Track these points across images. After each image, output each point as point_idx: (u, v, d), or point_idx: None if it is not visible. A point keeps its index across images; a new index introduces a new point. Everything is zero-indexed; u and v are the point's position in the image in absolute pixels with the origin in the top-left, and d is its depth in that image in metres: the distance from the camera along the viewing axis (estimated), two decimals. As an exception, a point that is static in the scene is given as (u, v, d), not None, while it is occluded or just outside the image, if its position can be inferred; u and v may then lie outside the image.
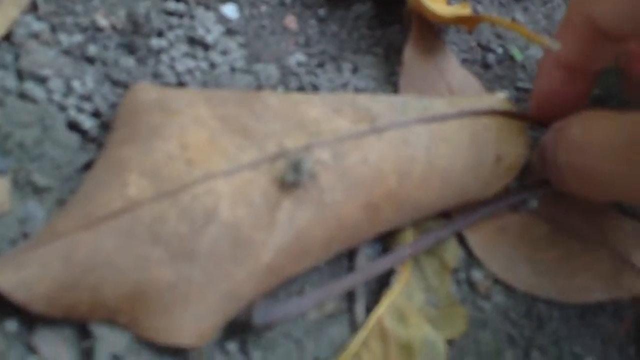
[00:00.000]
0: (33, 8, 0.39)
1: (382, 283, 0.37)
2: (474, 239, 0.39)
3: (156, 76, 0.39)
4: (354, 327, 0.35)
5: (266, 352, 0.33)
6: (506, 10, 0.49)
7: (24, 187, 0.33)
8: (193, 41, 0.41)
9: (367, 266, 0.36)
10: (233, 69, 0.41)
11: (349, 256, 0.37)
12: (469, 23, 0.44)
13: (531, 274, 0.39)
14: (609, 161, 0.32)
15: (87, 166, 0.35)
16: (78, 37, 0.39)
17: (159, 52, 0.40)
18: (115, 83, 0.38)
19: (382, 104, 0.37)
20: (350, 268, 0.37)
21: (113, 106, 0.37)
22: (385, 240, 0.38)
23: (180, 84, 0.39)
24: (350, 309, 0.36)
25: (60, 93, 0.36)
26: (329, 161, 0.34)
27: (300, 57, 0.43)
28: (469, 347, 0.37)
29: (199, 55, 0.40)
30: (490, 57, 0.46)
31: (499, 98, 0.40)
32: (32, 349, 0.30)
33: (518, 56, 0.47)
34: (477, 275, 0.38)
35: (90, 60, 0.38)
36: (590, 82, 0.39)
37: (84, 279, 0.29)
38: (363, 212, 0.34)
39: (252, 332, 0.33)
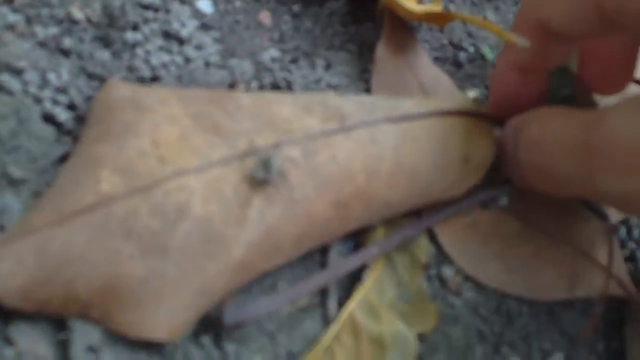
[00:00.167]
0: (8, 0, 0.38)
1: (354, 278, 0.37)
2: (444, 236, 0.39)
3: (131, 70, 0.39)
4: (327, 322, 0.36)
5: (240, 345, 0.34)
6: (478, 9, 0.50)
7: (0, 179, 0.33)
8: (168, 35, 0.41)
9: (338, 264, 0.36)
10: (207, 64, 0.41)
11: (322, 252, 0.37)
12: (440, 21, 0.44)
13: (501, 271, 0.39)
14: (565, 159, 0.33)
15: (63, 159, 0.35)
16: (53, 30, 0.39)
17: (134, 45, 0.40)
18: (91, 76, 0.38)
19: (351, 104, 0.37)
20: (323, 264, 0.37)
21: (88, 99, 0.37)
22: (357, 237, 0.38)
23: (155, 78, 0.39)
24: (323, 304, 0.36)
25: (35, 85, 0.36)
26: (298, 159, 0.34)
27: (274, 52, 0.43)
28: (439, 343, 0.37)
29: (174, 49, 0.41)
30: (462, 56, 0.47)
31: (466, 98, 0.40)
32: (8, 341, 0.30)
33: (489, 55, 0.47)
34: (447, 271, 0.39)
35: (66, 53, 0.38)
36: (545, 81, 0.39)
37: (58, 274, 0.29)
38: (333, 209, 0.35)
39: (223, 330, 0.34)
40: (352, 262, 0.36)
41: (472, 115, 0.39)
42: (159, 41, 0.40)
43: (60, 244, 0.30)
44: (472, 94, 0.43)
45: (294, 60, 0.43)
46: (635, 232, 0.43)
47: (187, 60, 0.40)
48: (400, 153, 0.36)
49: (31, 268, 0.29)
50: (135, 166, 0.32)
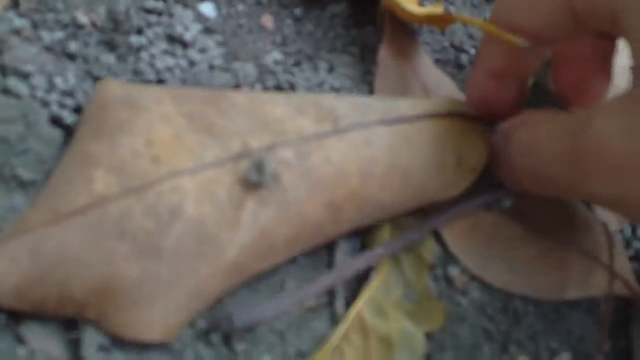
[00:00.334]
0: (15, 5, 0.39)
1: (361, 278, 0.37)
2: (450, 237, 0.39)
3: (137, 73, 0.39)
4: (335, 321, 0.36)
5: (250, 345, 0.34)
6: (478, 12, 0.50)
7: (10, 181, 0.34)
8: (172, 39, 0.41)
9: (345, 266, 0.36)
10: (212, 67, 0.41)
11: (329, 252, 0.37)
12: (441, 23, 0.44)
13: (506, 272, 0.39)
14: (556, 164, 0.33)
15: (71, 162, 0.35)
16: (59, 34, 0.39)
17: (139, 49, 0.40)
18: (97, 80, 0.38)
19: (345, 105, 0.37)
20: (330, 264, 0.37)
21: (95, 103, 0.37)
22: (364, 237, 0.38)
23: (161, 82, 0.39)
24: (331, 304, 0.36)
25: (43, 89, 0.36)
26: (292, 161, 0.34)
27: (277, 56, 0.43)
28: (447, 342, 0.37)
29: (178, 53, 0.41)
30: (464, 58, 0.47)
31: (460, 101, 0.40)
32: (20, 340, 0.30)
33: (490, 57, 0.47)
34: (454, 271, 0.39)
35: (72, 57, 0.38)
36: (523, 86, 0.39)
37: (52, 274, 0.30)
38: (326, 211, 0.35)
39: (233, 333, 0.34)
40: (359, 263, 0.36)
41: (466, 117, 0.39)
42: (164, 45, 0.41)
43: (54, 244, 0.30)
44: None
45: (297, 64, 0.43)
46: (640, 231, 0.44)
47: (192, 63, 0.41)
48: (394, 155, 0.36)
49: (26, 268, 0.29)
50: (129, 166, 0.32)
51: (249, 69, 0.42)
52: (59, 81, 0.37)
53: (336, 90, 0.43)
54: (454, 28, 0.48)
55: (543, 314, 0.39)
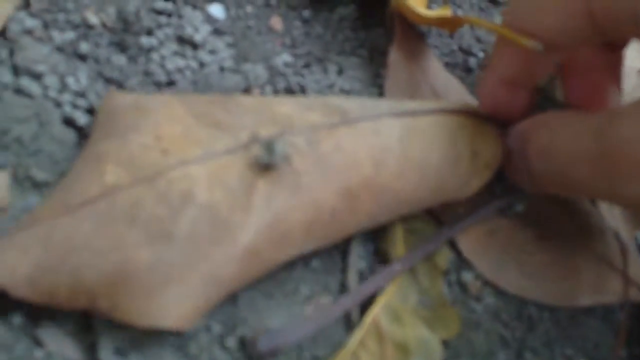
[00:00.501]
0: (26, 4, 0.38)
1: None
2: (463, 242, 0.39)
3: (147, 74, 0.39)
4: (350, 327, 0.36)
5: (266, 349, 0.34)
6: (485, 15, 0.50)
7: (23, 181, 0.33)
8: (182, 40, 0.41)
9: (361, 287, 0.36)
10: (222, 69, 0.41)
11: (342, 255, 0.37)
12: (450, 25, 0.44)
13: (520, 277, 0.39)
14: (580, 166, 0.33)
15: (84, 162, 0.35)
16: (70, 34, 0.38)
17: (149, 50, 0.40)
18: (108, 80, 0.38)
19: (353, 103, 0.37)
20: (344, 268, 0.37)
21: (107, 104, 0.37)
22: (377, 241, 0.38)
23: (171, 83, 0.39)
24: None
25: (55, 89, 0.36)
26: (303, 147, 0.34)
27: (286, 57, 0.43)
28: (462, 348, 0.37)
29: (188, 54, 0.41)
30: (472, 61, 0.47)
31: (470, 104, 0.40)
32: (38, 342, 0.30)
33: (498, 60, 0.47)
34: (467, 276, 0.39)
35: (83, 58, 0.38)
36: (533, 92, 0.39)
37: (64, 262, 0.29)
38: (341, 198, 0.34)
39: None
40: (375, 283, 0.36)
41: (478, 116, 0.39)
42: (174, 46, 0.40)
43: (65, 233, 0.30)
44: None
45: (307, 65, 0.43)
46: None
47: (202, 65, 0.40)
48: (406, 145, 0.36)
49: (37, 257, 0.29)
50: (139, 159, 0.32)
51: (259, 71, 0.41)
52: (70, 81, 0.37)
53: (346, 92, 0.42)
54: (462, 31, 0.48)
55: (558, 320, 0.39)
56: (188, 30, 0.41)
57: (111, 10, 0.40)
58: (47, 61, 0.37)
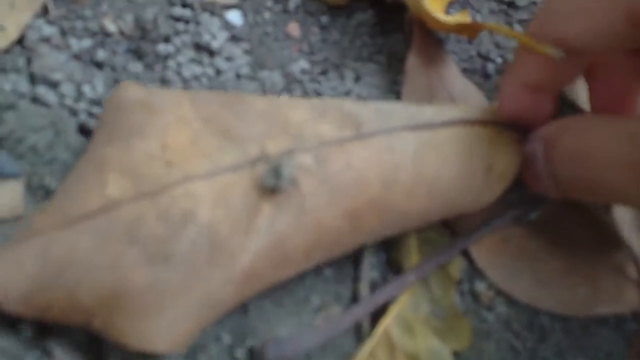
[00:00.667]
0: (44, 12, 0.39)
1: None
2: (476, 251, 0.39)
3: (164, 82, 0.39)
4: (360, 338, 0.36)
5: None
6: (505, 18, 0.49)
7: (37, 190, 0.34)
8: (199, 47, 0.41)
9: (373, 297, 0.36)
10: (238, 76, 0.41)
11: (354, 264, 0.37)
12: (470, 31, 0.44)
13: (533, 286, 0.39)
14: (613, 172, 0.32)
15: (99, 170, 0.35)
16: (87, 42, 0.39)
17: (166, 57, 0.40)
18: (125, 88, 0.38)
19: (368, 110, 0.36)
20: (355, 277, 0.37)
21: (122, 111, 0.37)
22: (389, 250, 0.38)
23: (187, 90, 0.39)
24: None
25: (71, 97, 0.37)
26: (311, 166, 0.33)
27: (303, 64, 0.43)
28: (473, 358, 0.37)
29: (205, 61, 0.41)
30: (490, 67, 0.47)
31: (489, 108, 0.39)
32: (47, 354, 0.30)
33: (517, 66, 0.47)
34: (480, 286, 0.39)
35: (99, 65, 0.39)
36: (557, 97, 0.38)
37: (59, 279, 0.29)
38: (345, 219, 0.33)
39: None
40: (388, 292, 0.36)
41: (496, 124, 0.38)
42: (191, 53, 0.41)
43: (62, 248, 0.29)
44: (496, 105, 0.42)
45: (324, 72, 0.43)
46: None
47: (218, 72, 0.41)
48: (419, 162, 0.35)
49: (32, 272, 0.29)
50: (143, 170, 0.32)
51: (275, 78, 0.41)
52: (87, 89, 0.37)
53: (362, 99, 0.42)
54: (481, 36, 0.48)
55: (570, 330, 0.39)
56: (205, 37, 0.41)
57: (129, 18, 0.40)
58: (63, 69, 0.37)
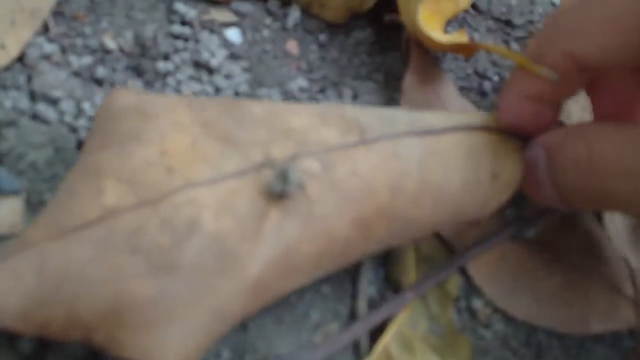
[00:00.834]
0: (44, 29, 0.39)
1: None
2: (474, 268, 0.39)
3: (163, 99, 0.39)
4: (359, 355, 0.36)
5: (275, 376, 0.34)
6: (502, 36, 0.50)
7: (37, 207, 0.34)
8: (198, 65, 0.41)
9: (371, 315, 0.36)
10: (237, 93, 0.41)
11: (352, 281, 0.37)
12: (466, 51, 0.44)
13: (530, 303, 0.39)
14: (626, 181, 0.32)
15: (98, 188, 0.35)
16: (87, 59, 0.39)
17: (165, 75, 0.40)
18: (124, 105, 0.38)
19: (371, 116, 0.35)
20: (354, 294, 0.37)
21: (122, 128, 0.37)
22: (387, 265, 0.38)
23: (186, 107, 0.39)
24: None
25: (71, 114, 0.37)
26: (317, 172, 0.32)
27: (302, 82, 0.43)
28: (471, 374, 0.37)
29: (204, 78, 0.41)
30: (487, 85, 0.47)
31: (491, 116, 0.38)
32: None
33: (514, 84, 0.47)
34: (477, 303, 0.39)
35: (99, 82, 0.39)
36: (559, 108, 0.38)
37: (58, 292, 0.27)
38: (354, 226, 0.33)
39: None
40: (385, 311, 0.36)
41: (500, 131, 0.38)
42: (190, 70, 0.41)
43: (60, 260, 0.28)
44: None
45: (322, 90, 0.43)
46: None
47: (217, 89, 0.41)
48: (425, 168, 0.34)
49: (30, 286, 0.27)
50: (142, 176, 0.30)
51: (274, 95, 0.42)
52: (86, 106, 0.37)
53: (360, 116, 0.43)
54: (478, 55, 0.48)
55: (566, 347, 0.39)
56: (204, 55, 0.41)
57: (129, 35, 0.41)
58: (63, 86, 0.37)
